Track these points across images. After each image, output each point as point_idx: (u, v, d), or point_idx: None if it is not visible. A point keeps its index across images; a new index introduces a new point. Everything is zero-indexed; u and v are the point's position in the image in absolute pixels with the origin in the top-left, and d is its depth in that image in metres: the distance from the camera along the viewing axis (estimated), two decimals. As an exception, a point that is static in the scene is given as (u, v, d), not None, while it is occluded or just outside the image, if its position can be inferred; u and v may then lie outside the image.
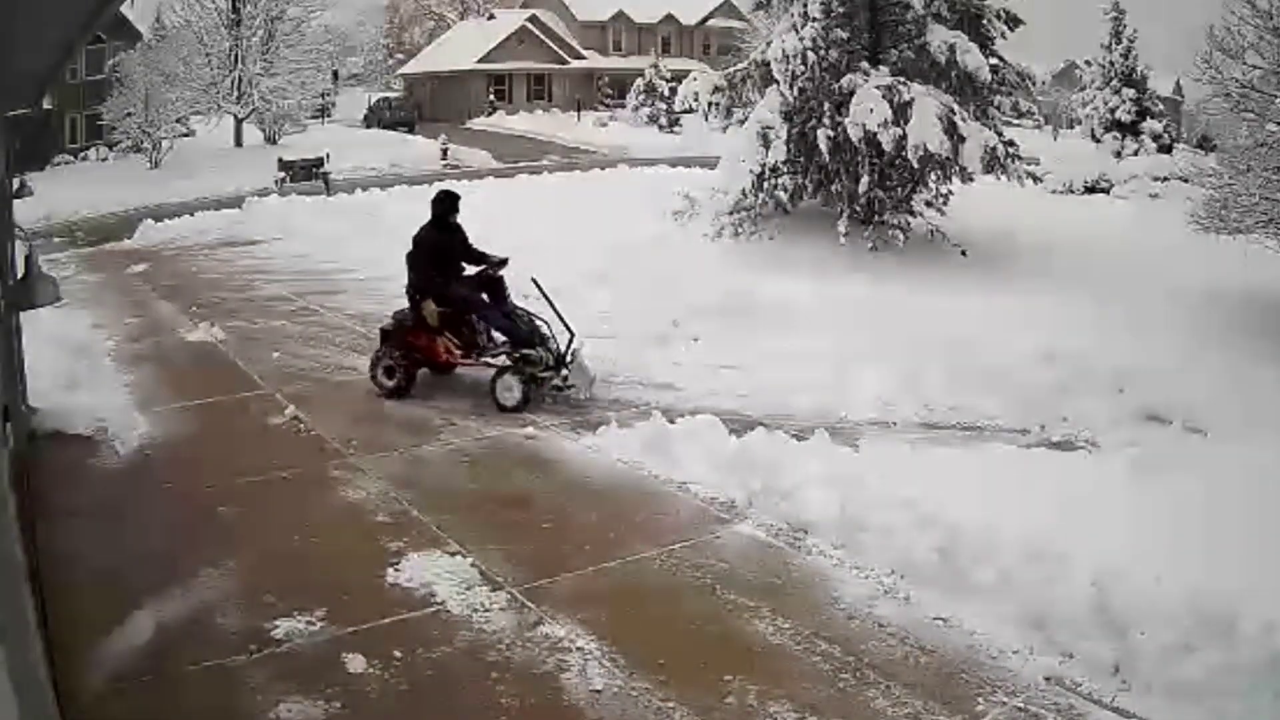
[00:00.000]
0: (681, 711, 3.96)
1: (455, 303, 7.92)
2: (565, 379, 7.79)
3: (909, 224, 14.42)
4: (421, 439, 7.15)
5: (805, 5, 13.96)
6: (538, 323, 7.89)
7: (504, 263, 8.08)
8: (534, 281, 7.93)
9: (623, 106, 47.51)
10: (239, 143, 36.11)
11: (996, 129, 14.16)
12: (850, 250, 13.48)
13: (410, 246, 8.05)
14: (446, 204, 8.14)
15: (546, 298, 7.92)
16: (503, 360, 7.80)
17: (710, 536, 5.53)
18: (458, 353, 7.94)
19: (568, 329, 7.85)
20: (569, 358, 7.82)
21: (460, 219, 8.21)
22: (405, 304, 8.23)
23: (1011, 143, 14.06)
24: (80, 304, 11.97)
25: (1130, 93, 30.28)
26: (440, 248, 7.97)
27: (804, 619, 4.66)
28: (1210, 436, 7.01)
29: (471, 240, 8.30)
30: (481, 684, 4.14)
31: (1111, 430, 7.24)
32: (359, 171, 30.12)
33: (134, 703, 4.00)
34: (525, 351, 7.71)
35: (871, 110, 12.95)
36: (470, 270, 8.18)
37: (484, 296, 8.03)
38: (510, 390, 7.58)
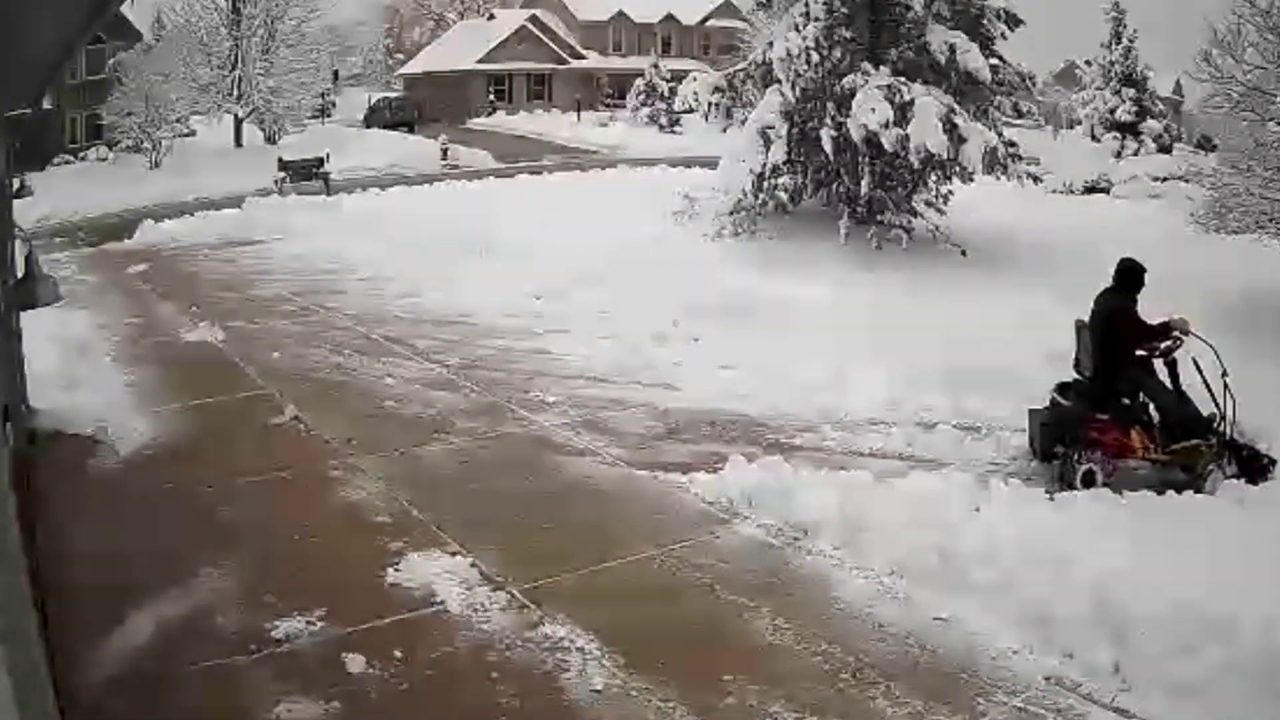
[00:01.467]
0: (681, 711, 3.96)
1: (1143, 390, 6.55)
2: (1223, 469, 6.35)
3: (909, 224, 14.43)
4: (421, 439, 7.15)
5: (807, 5, 13.97)
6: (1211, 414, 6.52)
7: (1183, 337, 6.46)
8: (1194, 362, 6.42)
9: (623, 106, 47.44)
10: (239, 143, 36.05)
11: (997, 129, 14.17)
12: (851, 250, 13.48)
13: (1097, 314, 6.66)
14: (1139, 277, 6.64)
15: (1201, 374, 6.44)
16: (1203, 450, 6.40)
17: (710, 536, 5.53)
18: (1151, 448, 6.46)
19: (1221, 413, 6.47)
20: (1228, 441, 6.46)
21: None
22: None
23: (1012, 143, 14.07)
24: (80, 304, 11.95)
25: (1130, 93, 30.26)
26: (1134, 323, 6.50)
27: (804, 619, 4.66)
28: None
29: None
30: (481, 684, 4.15)
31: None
32: (359, 171, 30.06)
33: (134, 703, 4.00)
34: (1210, 442, 6.40)
35: (873, 110, 12.95)
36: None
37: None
38: (1219, 482, 6.20)
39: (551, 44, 51.90)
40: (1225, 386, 6.35)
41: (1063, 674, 4.21)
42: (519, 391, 8.28)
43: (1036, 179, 14.66)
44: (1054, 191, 23.07)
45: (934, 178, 14.74)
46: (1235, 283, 12.18)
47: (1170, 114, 36.23)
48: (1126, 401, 6.52)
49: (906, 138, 12.87)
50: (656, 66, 45.20)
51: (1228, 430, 6.43)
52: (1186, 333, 6.44)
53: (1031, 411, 6.78)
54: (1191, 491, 6.06)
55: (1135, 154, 28.89)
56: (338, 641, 4.42)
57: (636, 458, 6.76)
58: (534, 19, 52.07)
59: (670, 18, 54.83)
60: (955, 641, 4.47)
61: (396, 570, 5.07)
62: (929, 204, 14.98)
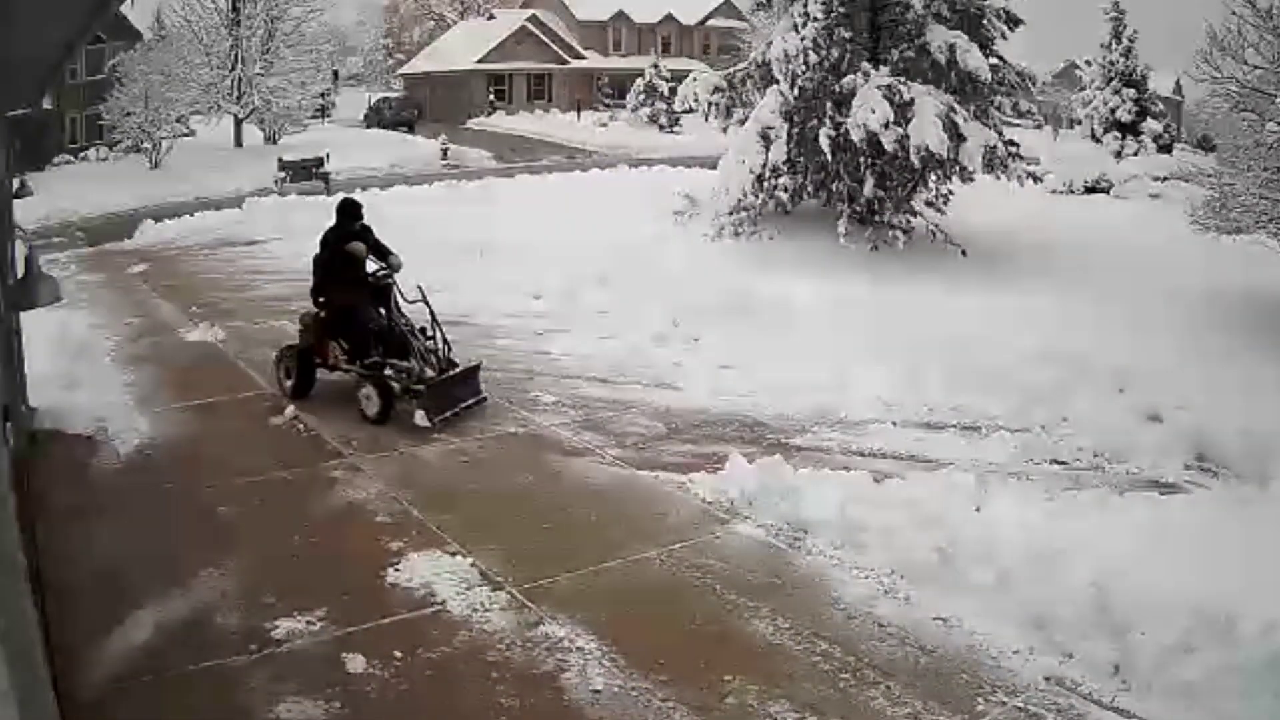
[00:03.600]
0: (681, 711, 3.97)
1: (341, 308, 7.75)
2: (424, 400, 7.29)
3: (909, 224, 14.42)
4: (421, 439, 7.14)
5: (806, 5, 13.97)
6: (417, 333, 7.64)
7: (392, 271, 7.81)
8: (418, 288, 7.75)
9: (623, 106, 47.44)
10: (239, 143, 36.07)
11: (997, 129, 14.17)
12: (850, 250, 13.48)
13: (321, 244, 7.92)
14: (348, 209, 7.98)
15: (427, 304, 7.71)
16: (370, 370, 7.58)
17: (710, 536, 5.53)
18: (343, 357, 7.77)
19: (444, 340, 7.74)
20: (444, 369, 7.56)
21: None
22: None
23: (1012, 142, 14.07)
24: (80, 304, 11.95)
25: (1130, 93, 30.29)
26: (341, 251, 7.77)
27: (804, 619, 4.66)
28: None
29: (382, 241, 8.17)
30: (481, 684, 4.15)
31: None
32: (359, 171, 30.07)
33: (134, 703, 4.00)
34: (393, 361, 7.48)
35: (873, 110, 12.95)
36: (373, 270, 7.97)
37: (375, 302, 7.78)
38: (369, 400, 7.40)
39: (551, 44, 51.89)
40: None
41: (1063, 674, 4.21)
42: (519, 391, 8.28)
43: (1036, 179, 14.66)
44: (1054, 191, 23.07)
45: (934, 177, 14.73)
46: (1235, 283, 12.19)
47: (1170, 114, 36.24)
48: (322, 316, 7.85)
49: (906, 137, 12.86)
50: (656, 66, 45.20)
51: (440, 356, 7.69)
52: (395, 270, 7.78)
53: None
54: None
55: (1135, 154, 28.91)
56: (338, 641, 4.42)
57: (637, 457, 6.77)
58: (534, 19, 52.06)
59: (670, 18, 54.85)
60: (955, 641, 4.47)
61: (396, 570, 5.07)
62: (929, 204, 14.97)
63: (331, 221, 8.00)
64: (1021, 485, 6.06)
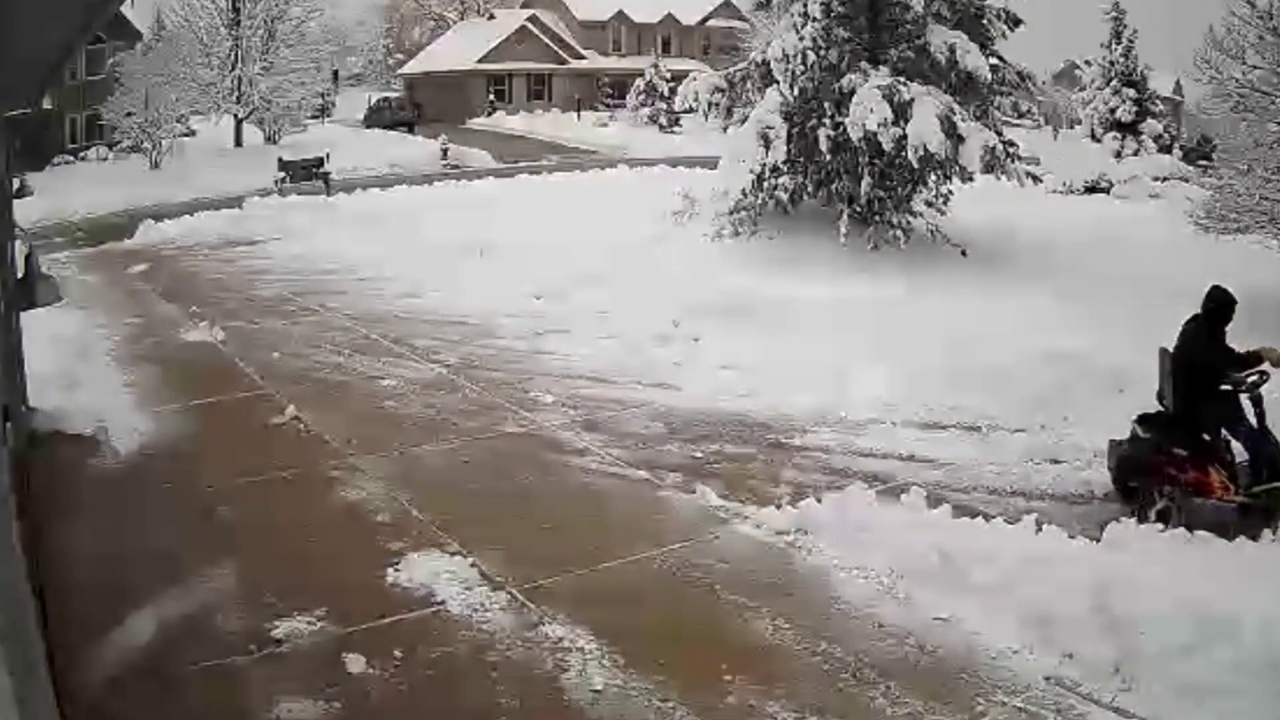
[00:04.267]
0: (681, 711, 3.96)
1: (1230, 425, 6.05)
2: None
3: (909, 224, 14.41)
4: (421, 439, 7.14)
5: (805, 5, 13.95)
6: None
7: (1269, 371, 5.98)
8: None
9: (623, 106, 47.46)
10: (239, 143, 36.05)
11: (996, 129, 14.15)
12: (850, 250, 13.47)
13: (1180, 344, 6.20)
14: (1227, 309, 6.25)
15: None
16: (1269, 495, 5.82)
17: (710, 536, 5.53)
18: (1232, 488, 5.92)
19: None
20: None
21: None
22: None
23: (1011, 143, 14.05)
24: (80, 304, 11.95)
25: (1130, 93, 30.26)
26: (1215, 360, 6.08)
27: (804, 619, 4.66)
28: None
29: None
30: (481, 684, 4.15)
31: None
32: (359, 171, 30.06)
33: (134, 703, 4.00)
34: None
35: (872, 110, 12.93)
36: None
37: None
38: None
39: (551, 44, 51.89)
40: None
41: (1063, 674, 4.21)
42: (519, 391, 8.28)
43: (1036, 179, 14.64)
44: (1054, 191, 23.07)
45: (934, 177, 14.71)
46: (1235, 283, 12.15)
47: (1170, 114, 36.24)
48: (1206, 437, 6.04)
49: (905, 137, 12.85)
50: (656, 66, 45.20)
51: None
52: (1277, 364, 5.93)
53: (1112, 443, 6.34)
54: (1271, 536, 5.38)
55: (1135, 154, 28.90)
56: (338, 641, 4.42)
57: (637, 457, 6.76)
58: (534, 19, 52.06)
59: (670, 18, 54.83)
60: (955, 641, 4.46)
61: (396, 570, 5.07)
62: (929, 204, 14.96)
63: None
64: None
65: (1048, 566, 4.67)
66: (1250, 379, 5.96)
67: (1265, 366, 5.95)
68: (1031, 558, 4.76)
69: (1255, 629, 3.97)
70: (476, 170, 31.35)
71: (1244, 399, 5.98)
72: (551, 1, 53.78)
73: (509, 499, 6.09)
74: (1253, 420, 5.95)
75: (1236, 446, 5.99)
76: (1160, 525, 5.66)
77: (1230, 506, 5.94)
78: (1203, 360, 6.03)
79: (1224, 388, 6.01)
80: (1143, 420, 6.26)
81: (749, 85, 15.64)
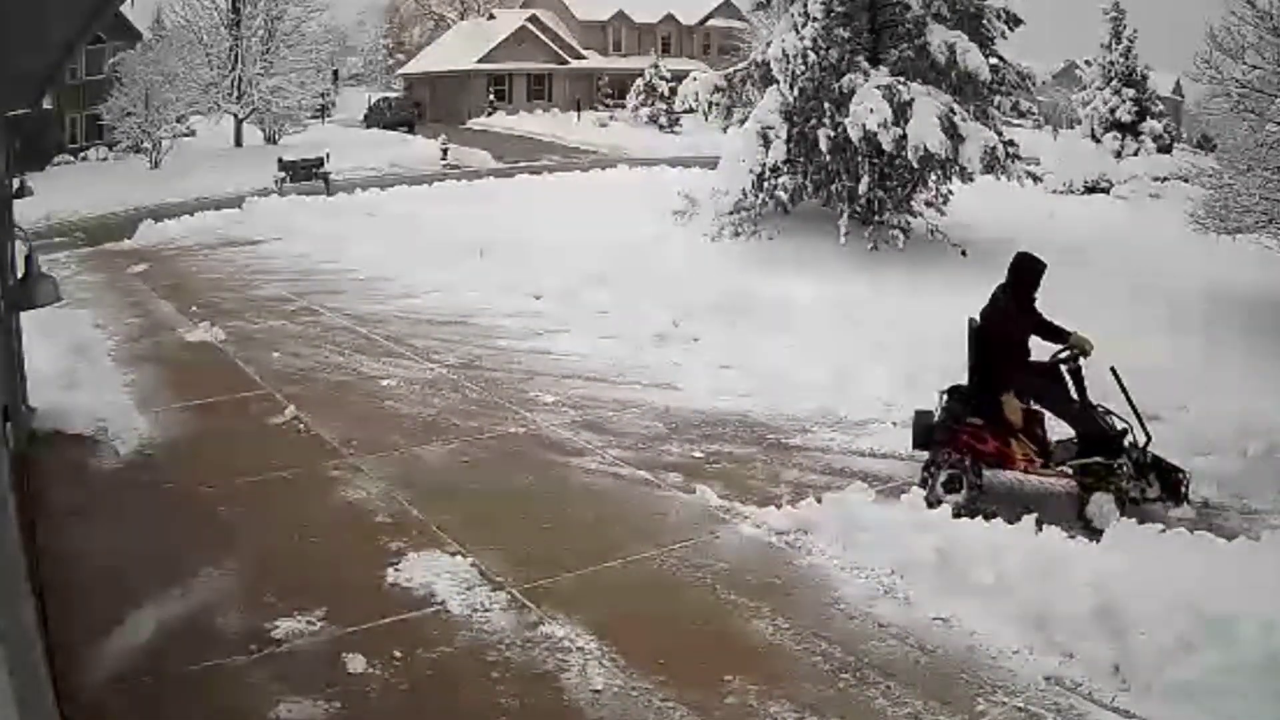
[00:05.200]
0: (681, 711, 3.96)
1: (1037, 397, 6.14)
2: (1144, 491, 5.92)
3: (909, 224, 14.41)
4: (421, 439, 7.13)
5: (805, 5, 13.96)
6: (1114, 420, 6.08)
7: (1090, 349, 6.11)
8: (1112, 371, 6.04)
9: (623, 106, 47.49)
10: (239, 143, 36.08)
11: (996, 129, 14.15)
12: (850, 250, 13.47)
13: (981, 319, 6.33)
14: (1034, 274, 6.39)
15: (1124, 389, 6.06)
16: (1082, 470, 6.00)
17: (710, 536, 5.53)
18: (1038, 461, 6.09)
19: (1144, 429, 6.04)
20: (1144, 460, 5.99)
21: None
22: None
23: (1011, 142, 14.05)
24: (80, 304, 11.96)
25: (1130, 93, 30.28)
26: (1023, 328, 6.22)
27: (804, 619, 4.66)
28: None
29: None
30: (481, 684, 4.15)
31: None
32: (359, 171, 30.09)
33: (134, 703, 4.00)
34: (1119, 462, 5.95)
35: (871, 110, 12.94)
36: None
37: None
38: (1109, 512, 5.71)
39: (551, 44, 51.90)
40: (1133, 407, 5.96)
41: (1063, 674, 4.21)
42: (519, 391, 8.29)
43: (1036, 179, 14.63)
44: (1054, 191, 23.08)
45: (934, 177, 14.71)
46: (1236, 283, 12.19)
47: (1170, 114, 36.24)
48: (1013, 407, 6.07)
49: (905, 137, 12.85)
50: (656, 66, 45.23)
51: (1142, 449, 5.95)
52: (1085, 353, 6.05)
53: (917, 413, 6.37)
54: (1078, 518, 5.66)
55: (1135, 154, 28.91)
56: (338, 641, 4.42)
57: (636, 457, 6.76)
58: (534, 19, 52.08)
59: (670, 18, 54.86)
60: (955, 641, 4.47)
61: (396, 570, 5.07)
62: (929, 204, 14.96)
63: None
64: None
65: (1047, 566, 4.67)
66: (1061, 356, 6.10)
67: (1073, 347, 6.08)
68: (1031, 558, 4.76)
69: (1255, 629, 3.97)
70: (476, 170, 31.36)
71: (1064, 371, 6.10)
72: (551, 1, 53.80)
73: (509, 499, 6.09)
74: (1073, 394, 6.03)
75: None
76: (947, 495, 5.91)
77: (1035, 480, 6.11)
78: (998, 330, 6.12)
79: (1045, 361, 6.16)
80: (951, 391, 6.30)
81: (749, 85, 15.65)
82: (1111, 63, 30.81)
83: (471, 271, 12.95)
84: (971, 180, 14.36)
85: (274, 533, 5.58)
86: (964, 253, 13.87)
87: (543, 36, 51.60)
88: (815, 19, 13.83)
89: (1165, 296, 11.41)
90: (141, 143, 32.62)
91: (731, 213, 14.55)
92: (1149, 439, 6.01)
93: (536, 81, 52.07)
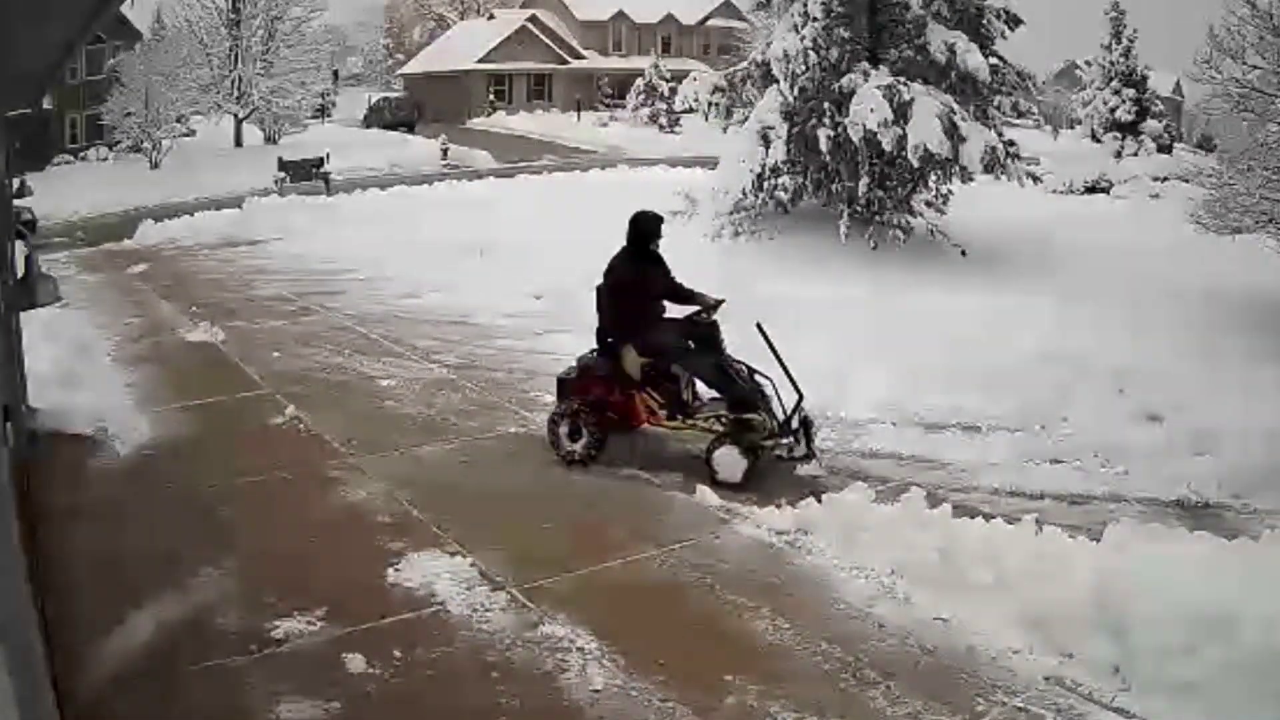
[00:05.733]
0: (681, 711, 3.96)
1: (658, 351, 6.39)
2: (791, 449, 6.23)
3: (909, 224, 14.42)
4: (421, 439, 7.13)
5: (806, 5, 13.97)
6: (759, 379, 6.34)
7: (719, 304, 6.52)
8: (758, 327, 6.30)
9: (623, 106, 47.51)
10: (239, 143, 36.11)
11: (996, 129, 14.16)
12: (851, 250, 13.48)
13: (601, 278, 6.62)
14: (649, 226, 6.63)
15: (771, 346, 6.30)
16: (718, 424, 6.29)
17: (710, 536, 5.53)
18: (660, 413, 6.37)
19: (795, 388, 6.27)
20: (795, 422, 6.28)
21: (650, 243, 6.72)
22: (584, 348, 6.96)
23: (1011, 143, 14.06)
24: (80, 304, 11.97)
25: (1130, 93, 30.30)
26: (640, 282, 6.47)
27: (804, 619, 4.65)
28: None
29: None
30: (481, 684, 4.14)
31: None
32: (359, 171, 30.13)
33: (134, 703, 4.00)
34: (747, 415, 6.17)
35: (872, 110, 12.94)
36: (675, 311, 6.70)
37: (690, 345, 6.50)
38: (733, 464, 6.06)
39: (551, 44, 51.94)
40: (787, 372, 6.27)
41: (1063, 674, 4.21)
42: (519, 391, 8.29)
43: (1036, 179, 14.65)
44: (1054, 191, 23.09)
45: (934, 177, 14.73)
46: (1236, 283, 12.19)
47: (1170, 114, 36.25)
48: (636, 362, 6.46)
49: (905, 137, 12.86)
50: (656, 66, 45.25)
51: (795, 407, 6.29)
52: (711, 308, 6.48)
53: (566, 369, 6.86)
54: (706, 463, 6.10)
55: (1135, 154, 28.93)
56: (338, 641, 4.41)
57: (636, 457, 6.75)
58: (534, 19, 52.13)
59: (670, 18, 54.91)
60: (955, 641, 4.46)
61: (396, 570, 5.07)
62: (929, 204, 14.97)
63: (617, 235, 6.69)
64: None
65: (1048, 566, 4.66)
66: (690, 313, 6.50)
67: (700, 310, 6.47)
68: (1031, 558, 4.75)
69: (1255, 629, 3.97)
70: (476, 170, 31.39)
71: (701, 330, 6.47)
72: (551, 1, 53.82)
73: (509, 499, 6.09)
74: (705, 352, 6.38)
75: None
76: (571, 444, 6.45)
77: (667, 432, 6.47)
78: (615, 284, 6.47)
79: (677, 317, 6.53)
80: (581, 359, 6.80)
81: (749, 85, 15.66)
82: (1111, 63, 30.84)
83: (472, 271, 12.96)
84: (972, 180, 14.37)
85: (274, 533, 5.58)
86: (964, 252, 13.89)
87: (543, 36, 51.64)
88: (815, 19, 13.84)
89: (1165, 296, 11.42)
90: (141, 143, 32.64)
91: (731, 213, 14.56)
92: (801, 397, 6.27)
93: (536, 81, 52.12)
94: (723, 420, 6.28)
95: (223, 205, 22.37)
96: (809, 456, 6.29)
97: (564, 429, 6.50)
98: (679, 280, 6.74)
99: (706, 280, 11.39)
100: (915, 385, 7.97)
